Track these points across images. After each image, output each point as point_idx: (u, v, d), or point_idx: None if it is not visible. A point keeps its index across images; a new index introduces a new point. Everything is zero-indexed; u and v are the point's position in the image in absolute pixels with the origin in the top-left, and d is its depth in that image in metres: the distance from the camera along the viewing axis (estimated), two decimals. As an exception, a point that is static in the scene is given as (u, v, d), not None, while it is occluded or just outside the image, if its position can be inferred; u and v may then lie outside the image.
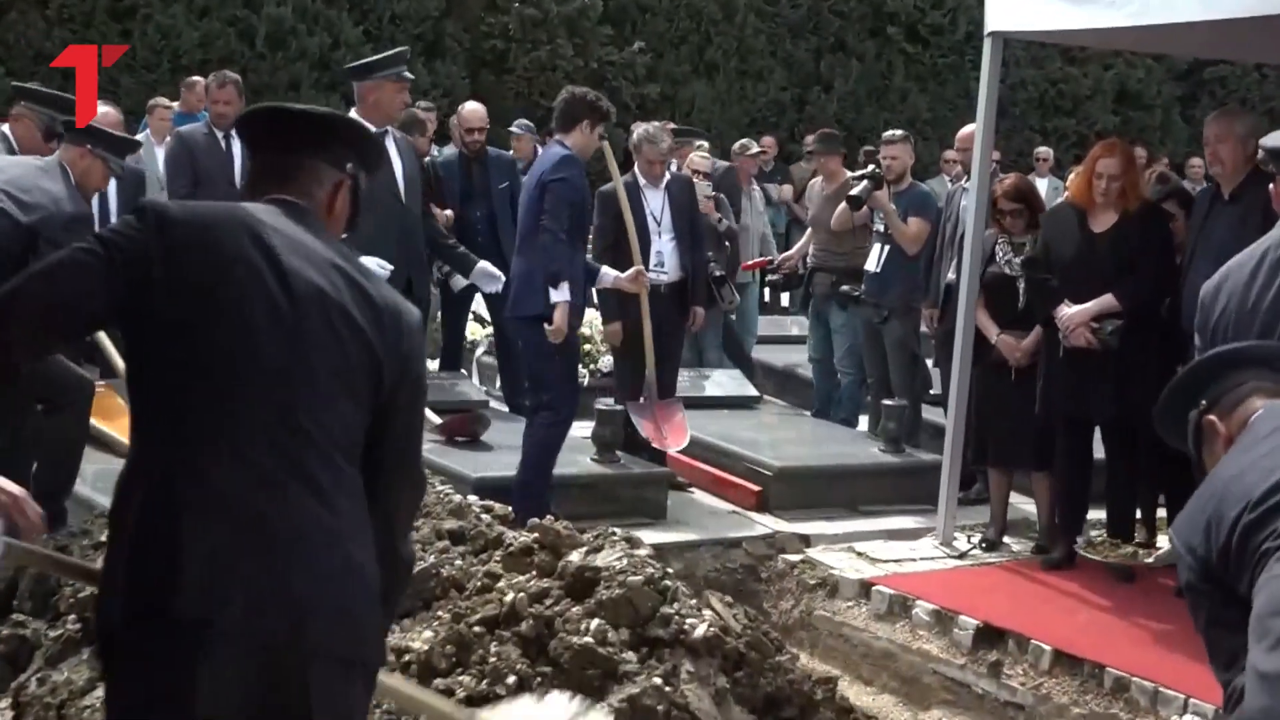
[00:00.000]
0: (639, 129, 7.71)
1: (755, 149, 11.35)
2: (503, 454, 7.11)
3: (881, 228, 8.18)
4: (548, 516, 4.84)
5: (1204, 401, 2.69)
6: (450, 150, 9.30)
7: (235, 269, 2.50)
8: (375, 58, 7.34)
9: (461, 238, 8.08)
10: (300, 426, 2.49)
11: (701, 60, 19.05)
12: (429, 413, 6.83)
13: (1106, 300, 6.21)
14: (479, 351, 9.53)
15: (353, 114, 6.89)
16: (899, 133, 8.53)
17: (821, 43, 19.85)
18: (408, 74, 7.04)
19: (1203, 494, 2.52)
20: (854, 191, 8.08)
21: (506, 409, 8.41)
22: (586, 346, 8.86)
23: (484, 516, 5.09)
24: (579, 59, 17.71)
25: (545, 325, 6.30)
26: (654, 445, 7.19)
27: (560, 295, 6.28)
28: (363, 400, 2.58)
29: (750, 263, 9.89)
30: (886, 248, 8.13)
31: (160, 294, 2.47)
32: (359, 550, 2.55)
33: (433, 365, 9.32)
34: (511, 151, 10.43)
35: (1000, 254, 6.69)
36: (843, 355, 8.75)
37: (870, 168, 8.31)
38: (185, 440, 2.45)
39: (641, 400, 7.23)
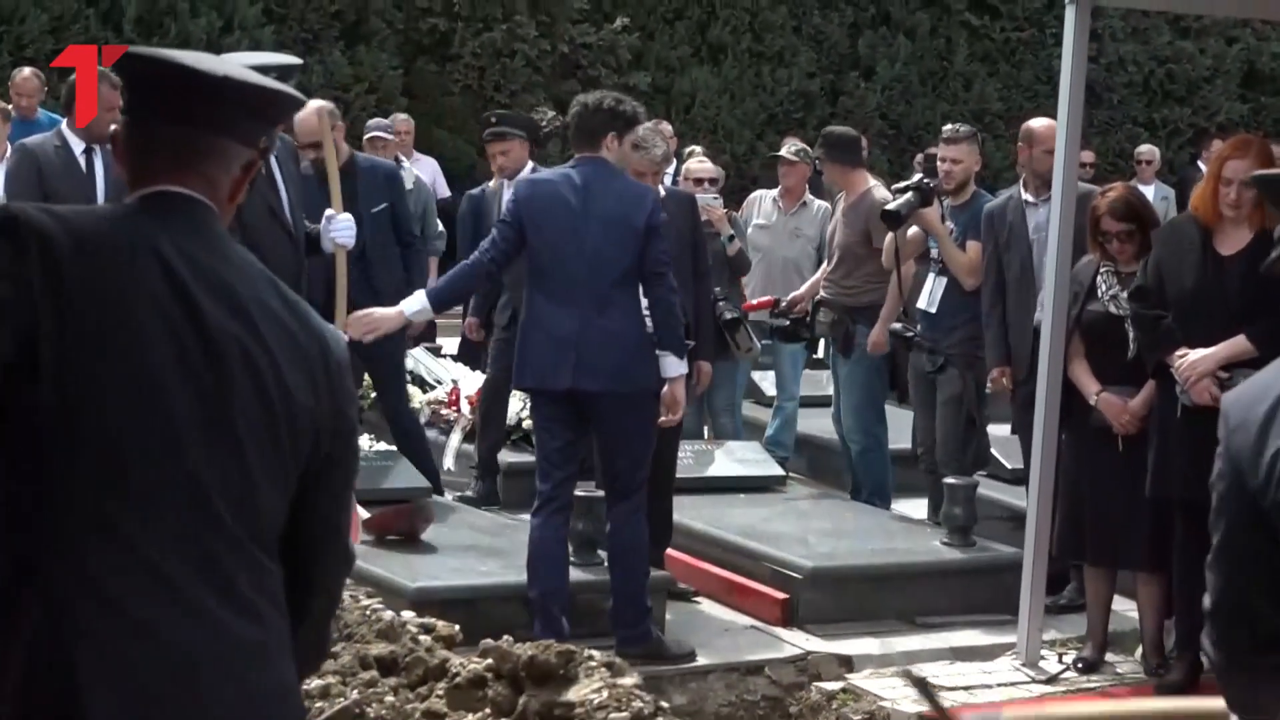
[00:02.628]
0: (624, 131, 7.71)
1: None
2: (449, 556, 7.10)
3: (937, 254, 8.22)
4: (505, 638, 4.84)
5: None
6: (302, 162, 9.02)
7: (138, 312, 2.50)
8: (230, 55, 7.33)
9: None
10: (218, 517, 2.53)
11: (704, 41, 19.17)
12: (356, 505, 6.84)
13: (1237, 344, 6.23)
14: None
15: None
16: (964, 128, 8.57)
17: (860, 15, 20.01)
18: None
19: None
20: (891, 206, 8.05)
21: (449, 497, 8.40)
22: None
23: (423, 638, 5.09)
24: (545, 41, 17.76)
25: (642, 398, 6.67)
26: None
27: (681, 366, 6.77)
28: (291, 477, 2.63)
29: (753, 303, 9.91)
30: (943, 280, 8.19)
31: (41, 346, 2.43)
32: (287, 669, 2.62)
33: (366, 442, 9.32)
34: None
35: (1104, 287, 6.71)
36: (850, 419, 8.79)
37: (918, 176, 8.33)
38: (72, 539, 2.46)
39: None
